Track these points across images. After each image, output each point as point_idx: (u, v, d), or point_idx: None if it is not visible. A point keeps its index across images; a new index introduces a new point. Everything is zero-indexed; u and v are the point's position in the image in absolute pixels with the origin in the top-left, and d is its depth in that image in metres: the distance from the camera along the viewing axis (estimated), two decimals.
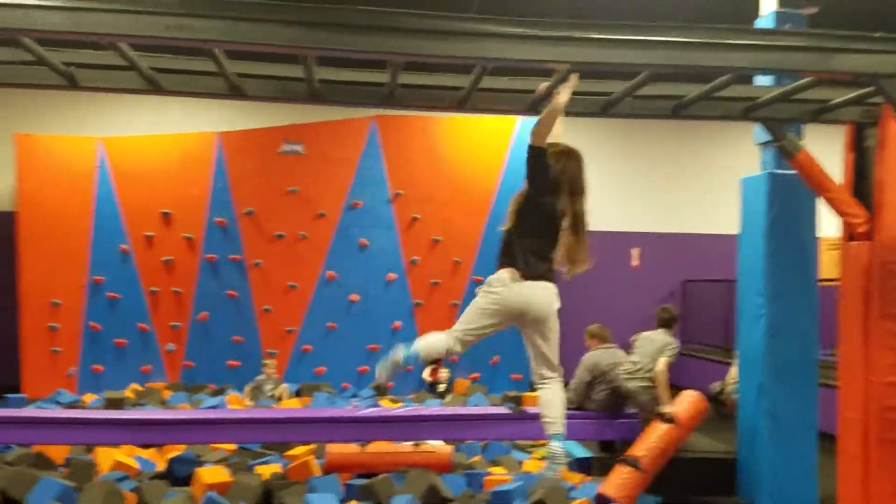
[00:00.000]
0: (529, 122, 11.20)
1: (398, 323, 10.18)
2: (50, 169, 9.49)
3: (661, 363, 5.64)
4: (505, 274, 3.72)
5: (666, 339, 5.83)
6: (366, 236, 10.12)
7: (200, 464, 5.74)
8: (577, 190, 3.93)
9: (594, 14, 9.25)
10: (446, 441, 6.26)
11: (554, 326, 3.83)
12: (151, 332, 9.71)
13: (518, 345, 11.05)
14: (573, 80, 3.56)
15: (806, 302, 5.33)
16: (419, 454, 5.99)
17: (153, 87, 4.16)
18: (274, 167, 9.92)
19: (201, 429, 5.70)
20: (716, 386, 8.95)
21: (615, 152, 12.09)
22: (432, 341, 3.87)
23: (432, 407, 7.76)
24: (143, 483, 5.13)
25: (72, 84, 4.10)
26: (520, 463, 6.43)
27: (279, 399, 8.79)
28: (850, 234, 4.69)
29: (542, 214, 3.87)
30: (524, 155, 10.45)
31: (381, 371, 3.83)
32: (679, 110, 4.50)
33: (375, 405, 8.25)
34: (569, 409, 6.10)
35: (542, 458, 6.60)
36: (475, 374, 10.33)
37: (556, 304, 3.87)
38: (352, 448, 6.02)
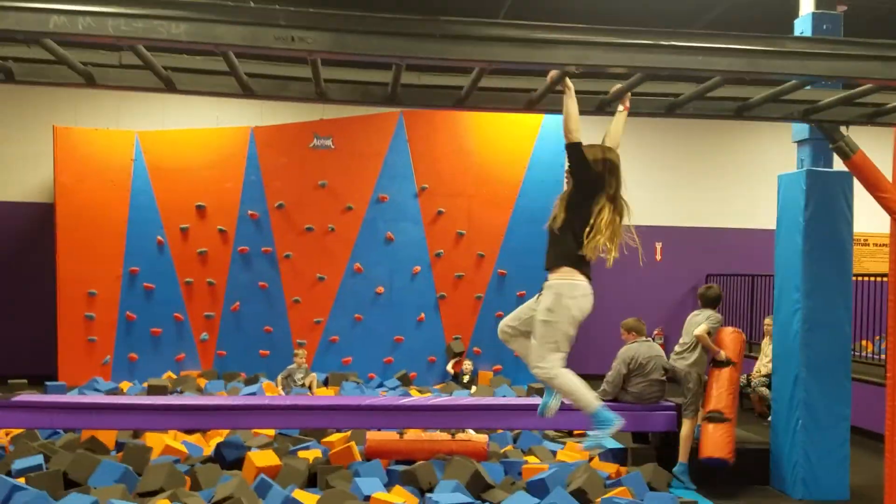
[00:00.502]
0: (554, 118, 11.33)
1: (422, 315, 10.36)
2: (87, 161, 9.69)
3: (700, 328, 5.89)
4: (584, 282, 3.77)
5: (707, 314, 6.06)
6: (392, 229, 10.29)
7: (246, 448, 5.92)
8: (615, 186, 3.94)
9: (619, 14, 9.36)
10: (477, 430, 6.43)
11: None
12: (186, 321, 9.91)
13: None
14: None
15: (841, 297, 5.47)
16: (456, 442, 6.17)
17: (247, 91, 4.40)
18: (304, 161, 10.09)
19: (248, 414, 5.88)
20: (742, 380, 9.06)
21: (636, 147, 12.19)
22: (568, 386, 3.87)
23: (463, 397, 7.93)
24: (196, 466, 5.30)
25: (170, 87, 4.27)
26: (553, 453, 6.57)
27: (309, 388, 8.97)
28: None
29: (588, 208, 3.91)
30: (552, 150, 10.51)
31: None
32: (742, 111, 4.67)
33: (406, 394, 8.44)
34: (605, 400, 6.31)
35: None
36: (498, 366, 10.49)
37: None
38: (391, 435, 6.20)
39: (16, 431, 6.31)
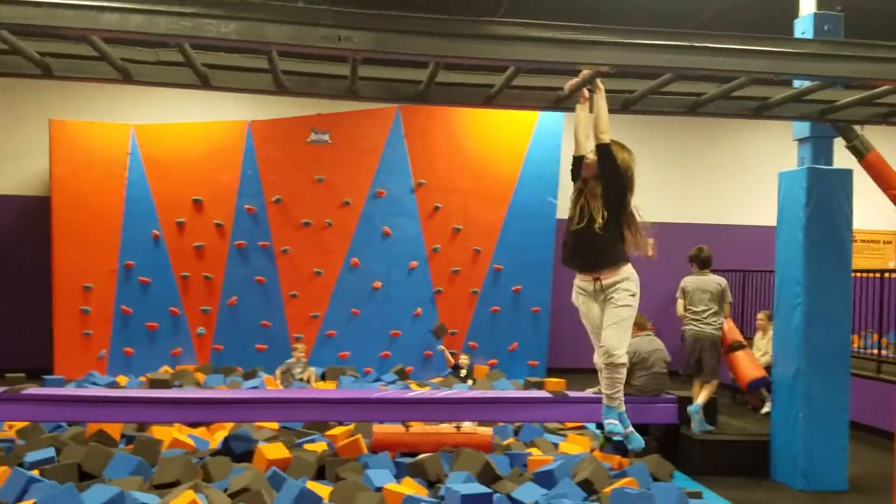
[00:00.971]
0: (549, 115, 11.36)
1: (419, 309, 10.42)
2: (83, 155, 9.64)
3: (727, 310, 6.55)
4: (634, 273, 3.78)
5: (718, 281, 6.49)
6: (389, 224, 10.33)
7: (254, 441, 5.96)
8: (632, 185, 3.99)
9: (629, 13, 9.47)
10: (481, 423, 6.51)
11: None
12: (182, 315, 9.90)
13: (534, 331, 11.36)
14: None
15: (841, 292, 5.60)
16: (461, 435, 6.25)
17: (280, 88, 4.46)
18: (302, 156, 10.11)
19: (255, 408, 5.93)
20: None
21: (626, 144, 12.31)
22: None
23: (465, 390, 8.00)
24: (207, 459, 5.34)
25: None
26: (555, 445, 6.66)
27: (308, 382, 9.01)
28: None
29: (626, 204, 3.91)
30: (547, 146, 10.50)
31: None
32: (762, 110, 4.79)
33: (408, 388, 8.50)
34: None
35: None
36: (493, 360, 10.58)
37: None
38: (397, 428, 6.26)
39: (20, 424, 6.32)
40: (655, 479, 5.58)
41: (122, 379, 9.09)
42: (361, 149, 10.24)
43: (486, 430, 6.37)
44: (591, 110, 3.60)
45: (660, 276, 12.28)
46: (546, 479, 5.36)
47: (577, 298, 3.78)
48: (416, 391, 6.77)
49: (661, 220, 13.32)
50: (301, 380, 9.05)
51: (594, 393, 6.29)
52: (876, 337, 8.95)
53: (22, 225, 10.39)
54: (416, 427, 6.31)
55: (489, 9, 9.39)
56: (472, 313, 10.54)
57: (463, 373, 9.88)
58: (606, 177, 3.69)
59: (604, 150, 3.69)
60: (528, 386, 9.06)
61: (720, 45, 3.48)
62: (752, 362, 6.78)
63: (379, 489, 4.97)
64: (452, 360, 10.03)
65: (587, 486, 5.24)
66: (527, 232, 10.55)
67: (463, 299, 10.54)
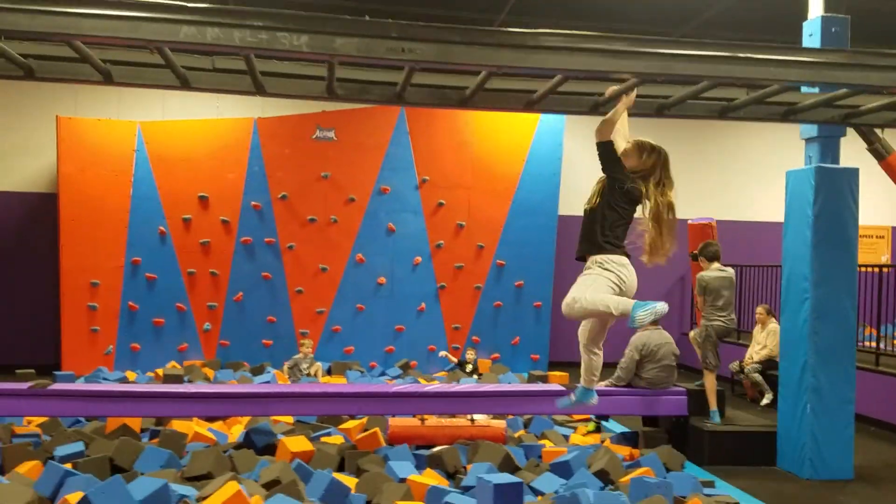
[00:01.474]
0: (550, 116, 11.46)
1: (423, 305, 10.55)
2: (90, 151, 9.68)
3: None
4: (621, 258, 3.96)
5: (731, 273, 6.90)
6: (393, 221, 10.45)
7: (274, 435, 6.07)
8: (660, 181, 4.15)
9: (630, 12, 9.60)
10: (493, 416, 6.64)
11: None
12: (188, 311, 9.97)
13: (536, 325, 11.48)
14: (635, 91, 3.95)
15: (847, 286, 5.78)
16: (476, 428, 6.37)
17: (332, 95, 4.72)
18: (307, 153, 10.19)
19: (276, 402, 6.02)
20: (734, 366, 9.42)
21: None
22: (600, 296, 3.84)
23: (474, 384, 8.13)
24: (231, 452, 5.44)
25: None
26: (565, 437, 6.81)
27: (315, 376, 9.12)
28: None
29: (624, 198, 4.07)
30: (550, 144, 10.77)
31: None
32: (789, 115, 4.97)
33: (416, 382, 8.62)
34: (618, 385, 6.58)
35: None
36: (496, 355, 10.73)
37: None
38: (413, 421, 6.39)
39: (39, 420, 6.39)
40: (667, 469, 5.74)
41: (130, 375, 9.17)
42: (366, 146, 10.34)
43: (500, 423, 6.51)
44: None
45: (655, 272, 12.56)
46: (563, 470, 5.51)
47: None
48: (432, 385, 6.89)
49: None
50: (308, 374, 9.16)
51: (606, 386, 6.45)
52: (869, 330, 9.18)
53: (29, 221, 10.41)
54: (431, 420, 6.44)
55: (494, 6, 9.53)
56: (476, 308, 10.69)
57: (469, 367, 10.02)
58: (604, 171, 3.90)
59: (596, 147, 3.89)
60: (532, 379, 9.22)
61: (760, 56, 3.64)
62: None
63: (402, 480, 5.10)
64: (454, 359, 10.15)
65: (603, 476, 5.39)
66: (529, 228, 10.70)
67: (466, 294, 10.68)
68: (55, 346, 9.76)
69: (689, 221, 10.72)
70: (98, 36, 3.25)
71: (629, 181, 3.99)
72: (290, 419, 6.81)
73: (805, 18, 6.09)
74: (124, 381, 8.69)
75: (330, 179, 10.23)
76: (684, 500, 4.85)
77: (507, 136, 10.68)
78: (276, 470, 4.84)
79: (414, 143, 10.50)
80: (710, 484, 5.50)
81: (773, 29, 9.30)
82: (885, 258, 12.74)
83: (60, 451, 5.18)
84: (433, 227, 10.57)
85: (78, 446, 5.26)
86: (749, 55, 3.61)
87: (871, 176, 6.60)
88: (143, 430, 6.21)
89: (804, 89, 5.25)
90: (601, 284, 3.84)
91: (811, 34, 5.89)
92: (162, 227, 9.91)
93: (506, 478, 4.22)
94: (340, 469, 5.64)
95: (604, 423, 7.31)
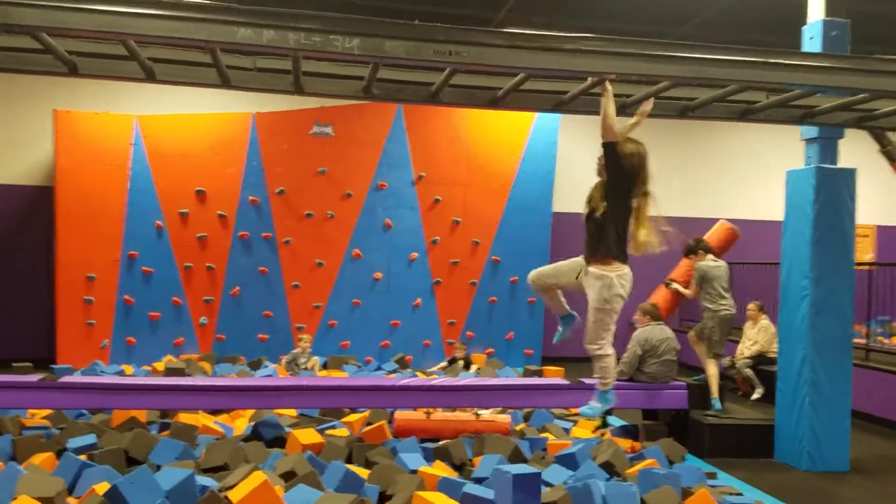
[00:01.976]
0: (545, 115, 11.53)
1: (419, 300, 10.62)
2: (87, 145, 9.64)
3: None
4: (626, 271, 4.11)
5: (725, 263, 7.21)
6: (390, 216, 10.51)
7: (282, 428, 6.12)
8: (646, 179, 4.24)
9: (630, 12, 9.71)
10: (500, 410, 6.73)
11: None
12: (185, 305, 9.96)
13: (530, 321, 11.57)
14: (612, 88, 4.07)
15: (845, 283, 5.93)
16: (480, 421, 6.47)
17: (369, 95, 4.77)
18: (305, 148, 10.22)
19: (283, 395, 6.06)
20: (726, 361, 9.57)
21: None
22: (609, 367, 4.30)
23: (470, 378, 8.22)
24: (241, 445, 5.48)
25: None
26: (566, 430, 6.92)
27: (313, 370, 9.16)
28: None
29: (627, 200, 4.18)
30: (545, 142, 10.87)
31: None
32: (806, 118, 5.12)
33: (413, 376, 8.70)
34: (621, 380, 6.70)
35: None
36: (490, 349, 10.83)
37: None
38: (418, 414, 6.47)
39: (43, 412, 6.40)
40: (670, 461, 5.87)
41: (128, 368, 9.16)
42: (363, 141, 10.39)
43: (505, 418, 6.61)
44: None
45: (645, 268, 12.72)
46: (569, 462, 5.61)
47: None
48: (439, 380, 6.97)
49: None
50: (306, 369, 9.20)
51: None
52: (857, 327, 9.39)
53: (25, 215, 10.34)
54: (437, 414, 6.53)
55: (493, 3, 9.61)
56: (471, 304, 10.77)
57: (460, 363, 10.09)
58: (607, 173, 4.01)
59: (602, 148, 4.00)
60: (528, 374, 9.33)
61: (786, 61, 3.78)
62: None
63: (414, 472, 5.17)
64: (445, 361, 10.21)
65: (608, 468, 5.50)
66: (524, 225, 10.81)
67: (462, 290, 10.77)
68: (50, 340, 9.71)
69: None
70: (158, 36, 3.31)
71: (626, 181, 4.09)
72: (293, 412, 6.86)
73: (803, 19, 6.24)
74: (122, 374, 8.68)
75: (327, 175, 10.27)
76: (691, 491, 4.98)
77: (503, 134, 10.77)
78: (291, 461, 4.90)
79: (411, 139, 10.56)
80: (713, 475, 5.63)
81: (771, 29, 9.47)
82: (869, 257, 12.99)
83: (73, 443, 5.20)
84: (429, 224, 10.64)
85: (90, 438, 5.28)
86: (779, 61, 3.74)
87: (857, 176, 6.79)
88: (149, 423, 6.25)
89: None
90: (611, 318, 4.20)
91: (812, 37, 6.02)
92: (159, 222, 9.89)
93: (523, 468, 4.32)
94: (348, 461, 5.70)
95: (608, 416, 7.43)
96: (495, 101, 4.60)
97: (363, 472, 5.11)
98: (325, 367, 9.75)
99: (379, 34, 3.44)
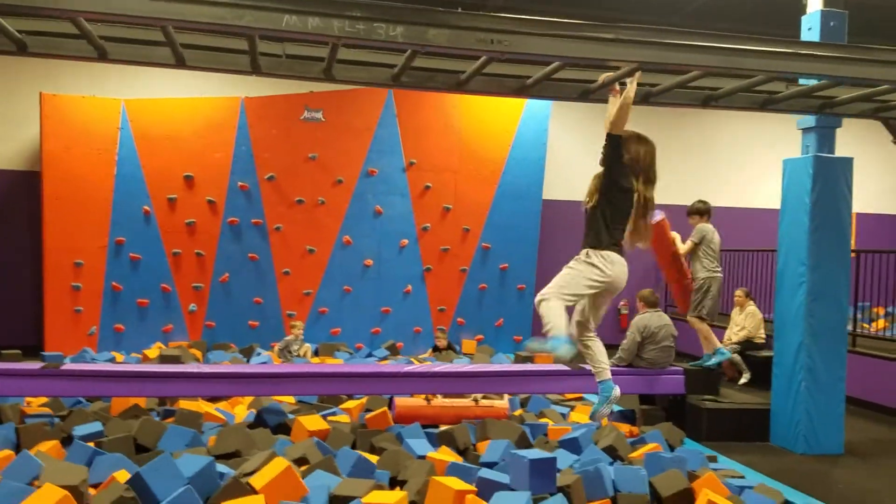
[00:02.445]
0: (535, 102, 11.53)
1: (409, 287, 10.63)
2: (74, 129, 9.48)
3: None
4: (610, 253, 4.04)
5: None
6: (381, 203, 10.49)
7: (285, 414, 6.12)
8: (650, 177, 4.25)
9: (624, 2, 9.75)
10: (499, 396, 6.79)
11: None
12: (174, 292, 9.87)
13: (519, 307, 11.59)
14: (637, 76, 4.04)
15: (841, 270, 6.06)
16: (480, 407, 6.52)
17: (397, 82, 4.73)
18: (295, 134, 10.14)
19: (286, 382, 6.07)
20: None
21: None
22: (555, 313, 4.00)
23: (465, 364, 8.27)
24: (249, 431, 5.47)
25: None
26: (563, 415, 7.00)
27: (305, 357, 9.15)
28: None
29: (622, 194, 4.18)
30: (535, 129, 10.85)
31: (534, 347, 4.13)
32: (824, 108, 5.19)
33: (409, 363, 8.72)
34: (619, 366, 6.78)
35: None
36: (480, 336, 10.89)
37: None
38: (418, 401, 6.50)
39: (40, 400, 6.33)
40: (669, 445, 5.97)
41: (118, 356, 9.06)
42: (354, 127, 10.34)
43: (504, 403, 6.66)
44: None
45: (634, 256, 12.83)
46: (572, 446, 5.67)
47: None
48: (438, 365, 7.01)
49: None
50: (298, 356, 9.18)
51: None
52: None
53: (12, 200, 10.15)
54: (437, 400, 6.57)
55: None
56: (461, 290, 10.81)
57: (444, 351, 10.01)
58: (605, 165, 4.00)
59: (606, 139, 3.97)
60: (519, 360, 9.40)
61: (790, 51, 3.84)
62: None
63: (422, 457, 5.21)
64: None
65: (611, 452, 5.58)
66: (514, 212, 10.85)
67: (452, 277, 10.80)
68: (38, 327, 9.57)
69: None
70: (200, 23, 3.28)
71: (624, 177, 4.07)
72: (292, 399, 6.86)
73: (796, 9, 6.32)
74: (112, 362, 8.59)
75: (317, 161, 10.21)
76: (696, 475, 5.07)
77: (494, 120, 10.78)
78: (302, 448, 4.91)
79: (402, 125, 10.53)
80: (713, 459, 5.74)
81: (763, 19, 9.56)
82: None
83: (79, 430, 5.15)
84: (420, 210, 10.64)
85: (97, 426, 5.24)
86: (809, 52, 3.80)
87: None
88: (150, 411, 6.20)
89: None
90: (577, 283, 3.98)
91: (810, 28, 6.11)
92: (146, 207, 9.78)
93: (538, 453, 4.37)
94: (353, 447, 5.72)
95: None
96: (523, 89, 4.62)
97: (372, 458, 5.14)
98: (316, 353, 9.74)
99: (422, 22, 3.44)
